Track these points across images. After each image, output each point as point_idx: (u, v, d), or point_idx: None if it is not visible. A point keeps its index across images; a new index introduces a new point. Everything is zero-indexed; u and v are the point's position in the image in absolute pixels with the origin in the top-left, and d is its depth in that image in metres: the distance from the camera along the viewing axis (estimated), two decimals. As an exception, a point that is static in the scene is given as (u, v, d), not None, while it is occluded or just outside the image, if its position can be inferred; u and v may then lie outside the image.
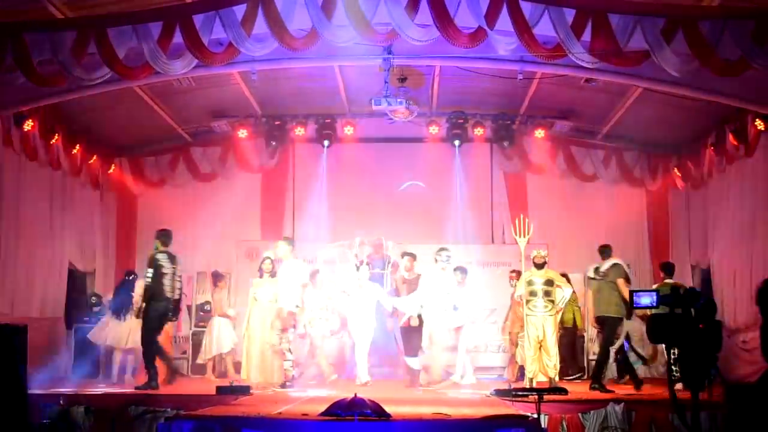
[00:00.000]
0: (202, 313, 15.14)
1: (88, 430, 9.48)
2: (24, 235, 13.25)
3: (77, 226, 15.15)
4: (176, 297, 11.85)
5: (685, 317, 3.26)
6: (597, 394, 10.89)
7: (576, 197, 16.68)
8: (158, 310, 11.60)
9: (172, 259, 11.83)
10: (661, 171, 16.18)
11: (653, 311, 3.58)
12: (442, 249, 13.02)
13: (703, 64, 9.58)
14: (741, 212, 13.32)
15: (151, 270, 11.56)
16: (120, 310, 13.19)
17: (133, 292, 12.93)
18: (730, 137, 13.21)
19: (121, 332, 13.17)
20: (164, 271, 11.64)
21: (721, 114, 13.34)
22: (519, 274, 13.22)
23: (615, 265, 12.21)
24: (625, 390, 11.55)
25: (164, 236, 11.95)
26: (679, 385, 3.26)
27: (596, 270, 12.35)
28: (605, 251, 12.47)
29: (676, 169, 15.80)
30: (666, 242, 16.39)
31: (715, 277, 14.33)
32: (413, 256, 13.31)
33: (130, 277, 13.63)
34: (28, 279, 13.45)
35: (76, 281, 15.37)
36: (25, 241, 13.28)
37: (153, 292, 11.53)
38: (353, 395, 7.67)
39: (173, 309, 11.88)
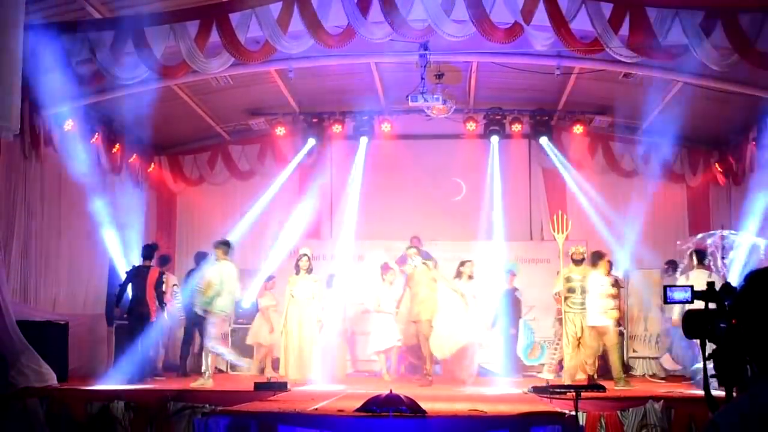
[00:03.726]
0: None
1: (128, 426, 9.58)
2: (66, 233, 13.40)
3: (118, 224, 15.27)
4: None
5: (720, 313, 3.21)
6: (636, 392, 10.78)
7: (615, 193, 16.52)
8: None
9: None
10: (701, 166, 15.98)
11: (688, 307, 3.54)
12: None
13: (742, 57, 9.46)
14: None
15: None
16: None
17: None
18: (772, 131, 13.03)
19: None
20: None
21: (763, 107, 13.13)
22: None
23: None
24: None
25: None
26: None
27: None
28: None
29: (717, 164, 15.59)
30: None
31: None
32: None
33: None
34: (70, 277, 13.60)
35: (117, 278, 15.50)
36: (66, 240, 13.43)
37: None
38: (389, 391, 7.67)
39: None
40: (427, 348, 12.49)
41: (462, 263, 13.18)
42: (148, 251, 13.01)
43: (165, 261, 14.32)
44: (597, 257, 12.12)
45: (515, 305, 14.30)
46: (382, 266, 13.71)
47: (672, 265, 14.11)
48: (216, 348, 11.92)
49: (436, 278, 12.78)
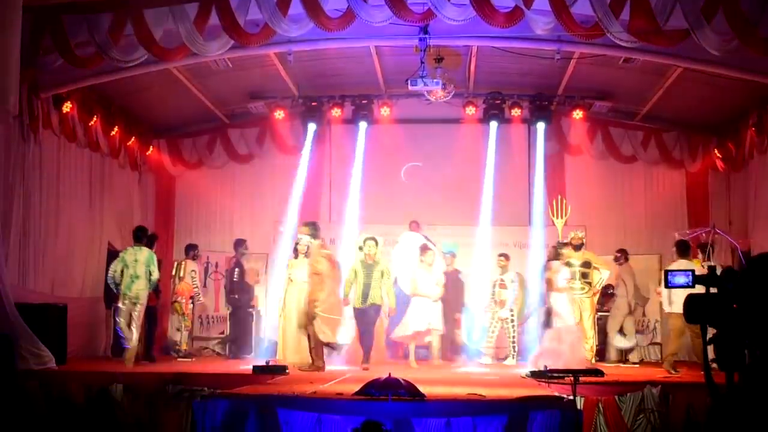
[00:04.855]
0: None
1: (127, 408, 9.58)
2: (64, 215, 13.38)
3: (116, 207, 15.26)
4: None
5: (721, 297, 3.21)
6: (634, 376, 10.80)
7: (614, 179, 16.52)
8: None
9: None
10: (700, 152, 15.92)
11: (689, 291, 3.54)
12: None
13: (743, 42, 9.42)
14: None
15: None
16: None
17: None
18: (772, 117, 12.99)
19: None
20: None
21: (763, 93, 13.10)
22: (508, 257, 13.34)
23: None
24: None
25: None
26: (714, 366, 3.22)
27: None
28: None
29: (716, 150, 15.54)
30: (706, 225, 16.16)
31: (756, 260, 14.10)
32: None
33: None
34: (68, 259, 13.57)
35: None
36: (64, 222, 13.40)
37: None
38: (388, 374, 7.68)
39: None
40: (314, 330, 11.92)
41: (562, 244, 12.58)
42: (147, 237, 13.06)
43: (189, 249, 14.51)
44: (687, 247, 12.10)
45: (457, 288, 14.18)
46: (421, 247, 13.62)
47: (623, 254, 14.05)
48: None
49: (326, 255, 12.45)
